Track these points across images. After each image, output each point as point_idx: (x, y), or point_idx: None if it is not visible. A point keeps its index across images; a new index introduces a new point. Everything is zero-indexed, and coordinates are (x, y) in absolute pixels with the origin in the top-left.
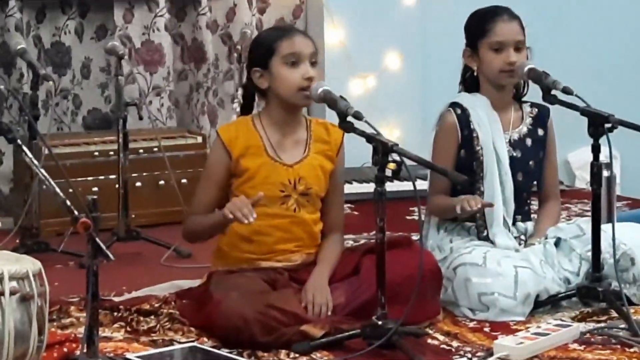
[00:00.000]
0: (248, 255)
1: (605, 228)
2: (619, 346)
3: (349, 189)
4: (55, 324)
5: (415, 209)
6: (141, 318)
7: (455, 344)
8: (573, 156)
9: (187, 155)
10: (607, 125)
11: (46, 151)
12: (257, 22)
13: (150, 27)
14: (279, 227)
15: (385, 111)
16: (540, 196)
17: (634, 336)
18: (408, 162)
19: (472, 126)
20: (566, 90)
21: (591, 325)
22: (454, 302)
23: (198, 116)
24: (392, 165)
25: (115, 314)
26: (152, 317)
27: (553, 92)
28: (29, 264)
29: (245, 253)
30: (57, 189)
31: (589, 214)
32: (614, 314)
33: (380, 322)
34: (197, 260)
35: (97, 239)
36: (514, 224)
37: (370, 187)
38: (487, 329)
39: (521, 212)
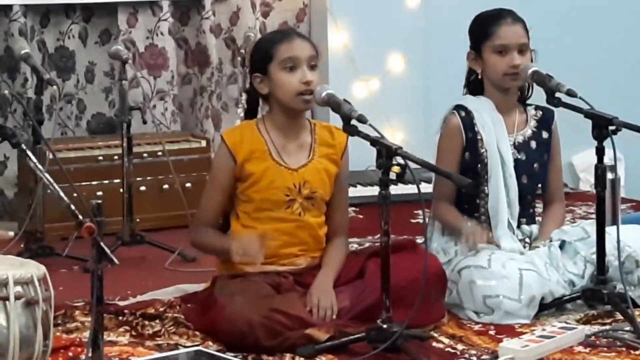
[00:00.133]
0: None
1: (610, 230)
2: (624, 349)
3: (353, 192)
4: (60, 328)
5: (420, 212)
6: (146, 322)
7: (460, 347)
8: (577, 159)
9: (191, 159)
10: (611, 128)
11: (50, 156)
12: (261, 26)
13: (154, 31)
14: (284, 231)
15: (388, 114)
16: (545, 199)
17: (639, 338)
18: (412, 165)
19: (476, 129)
20: (570, 93)
21: (596, 328)
22: (459, 305)
23: (202, 120)
24: (396, 169)
25: (120, 318)
26: (157, 321)
27: (557, 94)
28: (34, 269)
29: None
30: (62, 194)
31: (594, 216)
32: (619, 316)
33: (385, 326)
34: (202, 264)
35: (102, 243)
36: (518, 226)
37: (374, 191)
38: (492, 332)
39: (526, 214)
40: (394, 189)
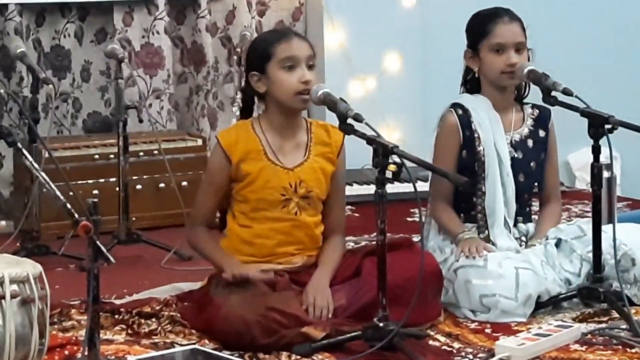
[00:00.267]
0: (249, 258)
1: (606, 229)
2: (620, 347)
3: (349, 190)
4: (56, 327)
5: (416, 210)
6: (142, 321)
7: (456, 345)
8: (573, 157)
9: (187, 158)
10: (607, 126)
11: (46, 154)
12: (257, 25)
13: (149, 30)
14: (280, 231)
15: (385, 113)
16: (541, 197)
17: (635, 337)
18: (408, 163)
19: (473, 127)
20: (566, 92)
21: (592, 326)
22: (455, 304)
23: (198, 119)
24: (392, 167)
25: (116, 316)
26: (153, 319)
27: (553, 93)
28: (30, 267)
29: (246, 256)
30: (58, 192)
31: (590, 214)
32: (615, 314)
33: (381, 324)
34: (198, 262)
35: (98, 242)
36: (515, 225)
37: (370, 189)
38: (488, 330)
39: (522, 213)
40: (391, 188)
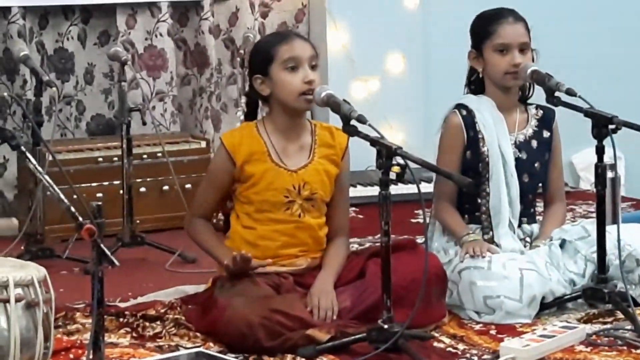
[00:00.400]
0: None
1: (610, 229)
2: (625, 347)
3: (353, 192)
4: (60, 330)
5: (420, 211)
6: (147, 324)
7: (461, 346)
8: (577, 157)
9: (190, 160)
10: (611, 127)
11: (50, 157)
12: (260, 27)
13: (153, 32)
14: (284, 232)
15: (388, 114)
16: (546, 198)
17: None
18: (412, 165)
19: (477, 127)
20: (570, 92)
21: (597, 327)
22: (460, 305)
23: (201, 121)
24: (396, 169)
25: (121, 319)
26: (158, 322)
27: (557, 93)
28: (34, 271)
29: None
30: (62, 195)
31: (594, 215)
32: (619, 315)
33: (386, 326)
34: (202, 265)
35: (102, 245)
36: (519, 226)
37: (374, 191)
38: (493, 332)
39: (527, 214)
40: (394, 189)
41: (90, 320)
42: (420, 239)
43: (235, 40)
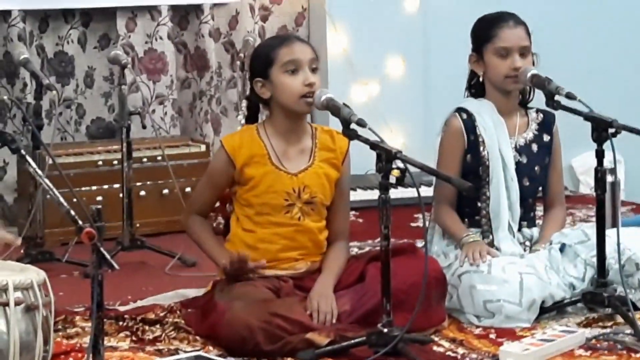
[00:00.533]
0: (252, 262)
1: (610, 233)
2: (624, 352)
3: (353, 196)
4: (60, 333)
5: (420, 215)
6: (146, 327)
7: (460, 350)
8: (577, 161)
9: (190, 163)
10: (611, 130)
11: (50, 161)
12: (260, 30)
13: (153, 35)
14: (283, 236)
15: (388, 118)
16: (546, 202)
17: None
18: (412, 168)
19: (478, 131)
20: (569, 96)
21: (597, 331)
22: (459, 309)
23: (201, 124)
24: (396, 172)
25: (121, 323)
26: (158, 326)
27: (556, 97)
28: (34, 274)
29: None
30: (61, 199)
31: (594, 219)
32: (619, 319)
33: (385, 330)
34: (202, 268)
35: (102, 249)
36: (519, 229)
37: (374, 194)
38: (492, 336)
39: (527, 217)
40: (394, 193)
41: (89, 324)
42: (420, 243)
43: (235, 44)
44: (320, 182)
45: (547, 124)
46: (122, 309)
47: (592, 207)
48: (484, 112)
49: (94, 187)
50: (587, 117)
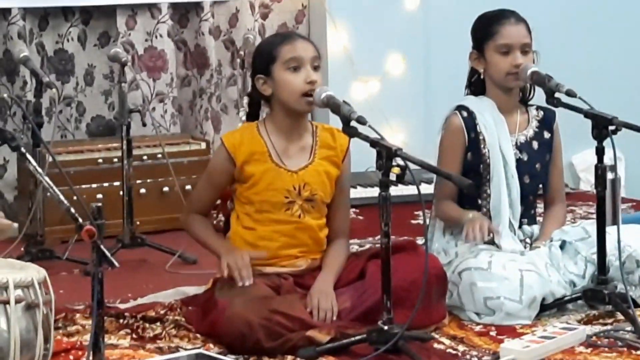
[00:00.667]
0: (253, 261)
1: (610, 230)
2: (625, 349)
3: (353, 193)
4: (60, 331)
5: (420, 212)
6: (147, 325)
7: (461, 348)
8: (577, 158)
9: (191, 161)
10: (611, 128)
11: (50, 159)
12: (260, 28)
13: (152, 33)
14: (284, 233)
15: (388, 115)
16: (546, 199)
17: None
18: (412, 166)
19: (478, 129)
20: (569, 93)
21: (597, 328)
22: (460, 307)
23: (202, 122)
24: (396, 170)
25: (121, 321)
26: (158, 323)
27: (557, 94)
28: (34, 272)
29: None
30: (62, 197)
31: (594, 216)
32: (620, 316)
33: (386, 327)
34: (202, 266)
35: (102, 246)
36: (519, 227)
37: (374, 192)
38: (493, 333)
39: (527, 215)
40: (394, 190)
41: (90, 322)
42: (420, 240)
43: (236, 42)
44: (320, 180)
45: (547, 122)
46: (122, 306)
47: (592, 205)
48: (485, 109)
49: (94, 185)
50: (588, 115)
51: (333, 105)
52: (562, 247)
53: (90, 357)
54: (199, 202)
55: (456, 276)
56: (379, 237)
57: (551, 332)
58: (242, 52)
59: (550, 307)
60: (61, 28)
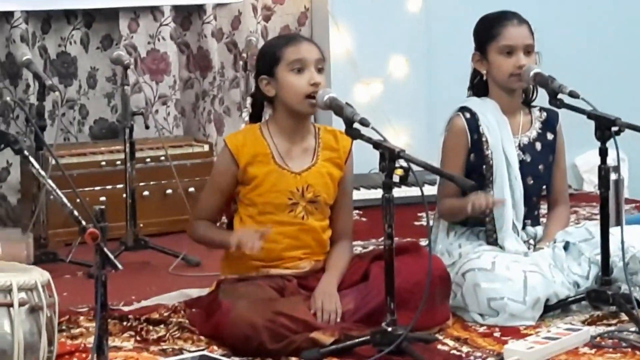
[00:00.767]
0: (256, 262)
1: (614, 231)
2: (629, 349)
3: (356, 195)
4: (64, 334)
5: (424, 214)
6: (150, 327)
7: (465, 349)
8: (580, 160)
9: (194, 163)
10: (614, 129)
11: (53, 161)
12: (262, 30)
13: (155, 36)
14: (287, 235)
15: (391, 117)
16: (549, 200)
17: None
18: (415, 167)
19: (481, 130)
20: (572, 94)
21: (601, 329)
22: (464, 308)
23: (204, 124)
24: (399, 171)
25: (125, 323)
26: (162, 326)
27: (559, 96)
28: (38, 275)
29: (253, 260)
30: (65, 200)
31: (598, 217)
32: (624, 317)
33: (389, 329)
34: (206, 268)
35: (105, 249)
36: (523, 228)
37: (378, 193)
38: (497, 334)
39: (531, 216)
40: (398, 192)
41: (93, 324)
42: (423, 242)
43: (238, 44)
44: (323, 182)
45: (550, 123)
46: (126, 309)
47: (595, 205)
48: (487, 111)
49: (97, 188)
50: (591, 115)
51: (336, 107)
52: (565, 248)
53: None
54: (205, 211)
55: (460, 277)
56: (382, 238)
57: (555, 333)
58: (244, 55)
59: (554, 308)
60: (64, 31)
